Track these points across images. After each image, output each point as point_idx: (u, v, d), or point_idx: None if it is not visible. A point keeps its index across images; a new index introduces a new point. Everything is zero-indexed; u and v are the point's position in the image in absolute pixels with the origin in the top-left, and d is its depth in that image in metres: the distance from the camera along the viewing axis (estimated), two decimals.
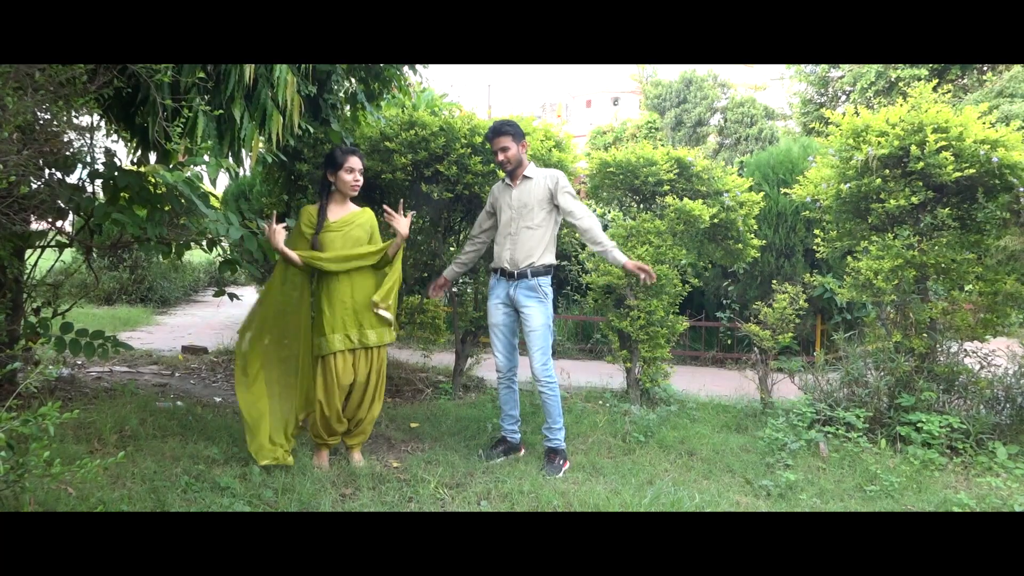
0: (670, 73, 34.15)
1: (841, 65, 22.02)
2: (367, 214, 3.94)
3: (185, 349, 6.84)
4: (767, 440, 4.44)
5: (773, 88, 31.07)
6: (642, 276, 4.02)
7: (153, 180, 4.22)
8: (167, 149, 3.62)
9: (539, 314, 4.06)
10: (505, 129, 4.10)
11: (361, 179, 3.86)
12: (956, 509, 3.53)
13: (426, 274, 6.12)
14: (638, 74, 31.98)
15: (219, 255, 4.83)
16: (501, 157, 4.08)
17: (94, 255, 4.96)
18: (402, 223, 3.89)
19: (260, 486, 3.42)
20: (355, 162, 3.82)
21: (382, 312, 3.81)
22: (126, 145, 4.62)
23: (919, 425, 4.38)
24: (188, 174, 3.60)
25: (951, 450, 4.36)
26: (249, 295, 8.09)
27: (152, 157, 4.36)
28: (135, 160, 4.47)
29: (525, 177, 4.12)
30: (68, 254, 4.93)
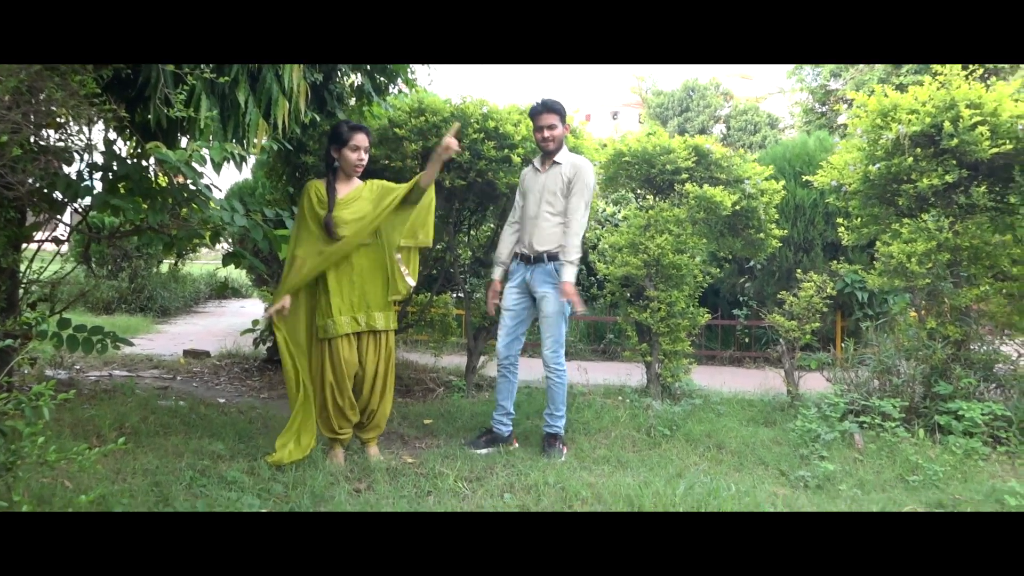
0: (672, 83, 33.96)
1: (842, 74, 21.85)
2: (369, 183, 3.69)
3: (187, 353, 6.64)
4: (799, 431, 4.23)
5: (773, 100, 30.86)
6: (576, 303, 3.86)
7: (154, 173, 4.06)
8: (165, 127, 3.46)
9: (554, 300, 3.90)
10: (557, 107, 3.96)
11: (366, 158, 3.64)
12: (1008, 498, 3.32)
13: (435, 271, 5.93)
14: (638, 87, 31.77)
15: (223, 247, 4.67)
16: (547, 134, 3.92)
17: (93, 264, 4.79)
18: (449, 140, 3.56)
19: (270, 480, 3.21)
20: (361, 139, 3.59)
21: (405, 272, 3.63)
22: (125, 143, 4.46)
23: (959, 413, 4.16)
24: (190, 154, 3.41)
25: (993, 439, 4.14)
26: (252, 306, 7.90)
27: None
28: (134, 155, 4.30)
29: (555, 163, 3.96)
30: (62, 262, 4.71)
